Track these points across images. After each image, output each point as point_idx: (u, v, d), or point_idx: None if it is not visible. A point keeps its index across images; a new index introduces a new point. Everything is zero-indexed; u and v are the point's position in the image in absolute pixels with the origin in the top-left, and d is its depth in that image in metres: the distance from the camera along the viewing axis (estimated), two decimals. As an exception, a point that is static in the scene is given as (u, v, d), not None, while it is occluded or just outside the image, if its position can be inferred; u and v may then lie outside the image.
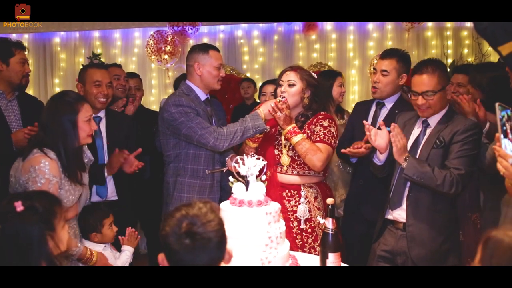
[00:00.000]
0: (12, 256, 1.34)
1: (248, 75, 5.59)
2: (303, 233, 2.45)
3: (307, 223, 2.46)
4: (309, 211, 2.46)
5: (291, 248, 2.01)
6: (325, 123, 2.48)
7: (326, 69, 5.32)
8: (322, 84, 2.83)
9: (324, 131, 2.45)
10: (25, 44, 5.58)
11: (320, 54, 5.65)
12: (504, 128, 1.46)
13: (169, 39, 4.95)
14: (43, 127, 2.09)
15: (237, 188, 1.96)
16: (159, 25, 5.25)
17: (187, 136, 2.49)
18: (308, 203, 2.47)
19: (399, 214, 2.31)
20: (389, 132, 2.19)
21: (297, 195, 2.48)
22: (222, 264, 1.31)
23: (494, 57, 4.91)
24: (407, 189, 2.29)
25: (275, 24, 5.61)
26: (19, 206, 1.38)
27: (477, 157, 2.24)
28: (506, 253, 1.09)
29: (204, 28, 5.54)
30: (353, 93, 5.67)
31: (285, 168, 2.52)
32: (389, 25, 5.57)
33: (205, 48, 2.63)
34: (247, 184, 1.96)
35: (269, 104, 2.45)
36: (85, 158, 2.25)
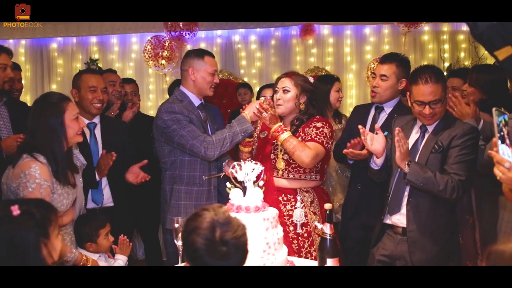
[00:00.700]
0: (6, 261, 1.32)
1: (245, 80, 5.59)
2: (300, 238, 2.44)
3: (303, 227, 2.45)
4: (305, 216, 2.45)
5: (288, 253, 2.00)
6: (318, 124, 2.48)
7: (323, 73, 5.32)
8: (319, 89, 2.83)
9: (317, 131, 2.45)
10: (22, 50, 5.66)
11: (317, 59, 5.64)
12: (501, 133, 1.46)
13: (167, 44, 4.95)
14: (30, 132, 2.06)
15: (234, 194, 1.96)
16: (156, 30, 5.26)
17: (179, 144, 2.49)
18: (304, 207, 2.46)
19: (398, 219, 2.30)
20: (386, 136, 2.18)
21: (293, 199, 2.48)
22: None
23: (490, 61, 4.91)
24: (406, 194, 2.28)
25: (272, 28, 5.61)
26: (15, 210, 1.36)
27: (475, 160, 2.23)
28: (508, 263, 1.10)
29: (202, 33, 5.53)
30: (351, 97, 5.67)
31: (281, 172, 2.51)
32: (386, 29, 5.57)
33: (200, 53, 2.63)
34: (244, 190, 1.95)
35: (254, 105, 2.47)
36: (77, 162, 2.23)
